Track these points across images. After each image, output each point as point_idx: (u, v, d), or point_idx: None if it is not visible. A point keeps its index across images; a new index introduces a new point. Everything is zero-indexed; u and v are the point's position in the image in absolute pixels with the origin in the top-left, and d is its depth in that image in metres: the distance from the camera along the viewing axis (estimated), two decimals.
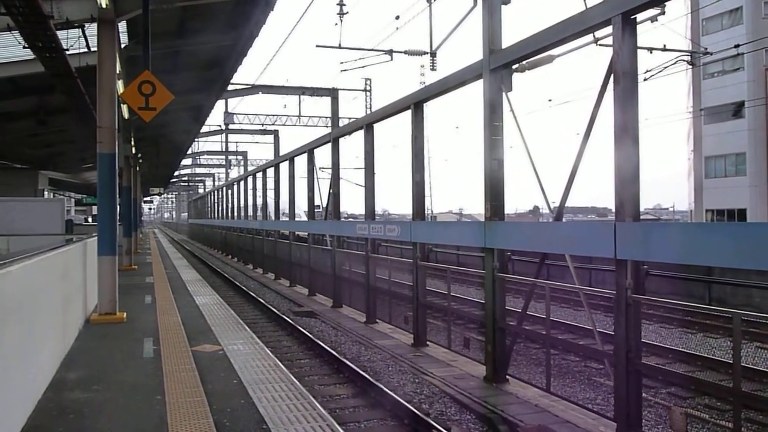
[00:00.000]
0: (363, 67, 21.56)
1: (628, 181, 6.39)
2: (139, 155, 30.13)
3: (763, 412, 7.61)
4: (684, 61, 18.22)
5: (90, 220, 52.02)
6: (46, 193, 37.18)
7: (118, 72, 11.29)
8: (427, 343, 11.32)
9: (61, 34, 11.25)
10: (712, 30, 40.03)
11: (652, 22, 14.59)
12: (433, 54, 18.06)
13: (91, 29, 11.75)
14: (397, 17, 19.70)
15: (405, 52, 20.35)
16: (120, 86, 12.08)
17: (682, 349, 11.21)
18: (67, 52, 11.63)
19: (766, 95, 34.73)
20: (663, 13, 14.31)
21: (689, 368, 10.13)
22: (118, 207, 11.65)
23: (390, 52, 20.41)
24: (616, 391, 6.72)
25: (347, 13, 19.88)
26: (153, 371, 7.20)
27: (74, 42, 12.83)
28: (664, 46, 17.64)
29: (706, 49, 22.41)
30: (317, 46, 20.91)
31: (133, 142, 23.74)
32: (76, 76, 12.27)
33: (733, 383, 5.65)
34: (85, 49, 13.06)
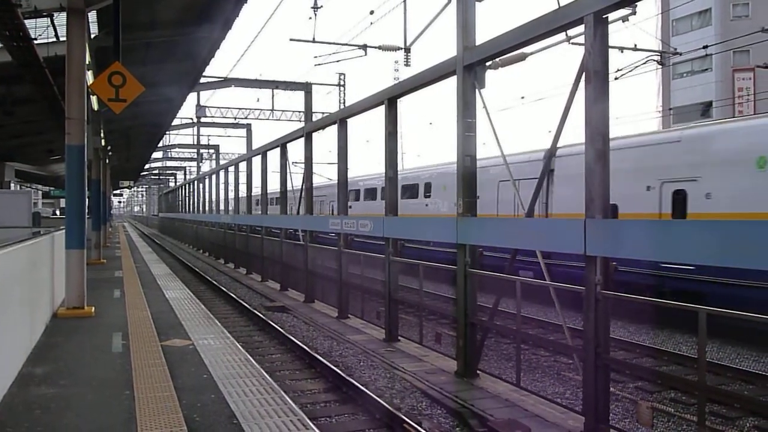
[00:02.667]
0: (337, 61, 21.45)
1: (598, 178, 6.47)
2: (109, 148, 29.69)
3: (726, 405, 7.79)
4: (654, 60, 18.45)
5: (58, 213, 51.17)
6: (12, 185, 36.46)
7: (87, 63, 11.11)
8: (399, 338, 11.36)
9: (29, 23, 11.04)
10: (681, 31, 40.64)
11: (623, 21, 14.78)
12: (407, 50, 18.07)
13: (60, 18, 11.55)
14: (372, 12, 19.67)
15: (379, 48, 20.29)
16: (90, 77, 11.88)
17: (650, 345, 11.42)
18: (36, 42, 11.41)
19: (733, 96, 35.41)
20: (634, 13, 14.50)
21: (656, 363, 10.32)
22: (86, 200, 11.47)
23: (364, 47, 20.35)
24: (584, 386, 6.81)
25: (321, 7, 19.74)
26: (122, 366, 7.12)
27: (43, 31, 12.61)
28: (635, 45, 17.88)
29: (675, 49, 22.71)
30: (291, 39, 20.67)
31: (102, 135, 23.40)
32: (44, 66, 12.04)
33: (698, 377, 5.76)
34: (54, 39, 12.84)
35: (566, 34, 12.92)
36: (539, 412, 7.35)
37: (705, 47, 21.39)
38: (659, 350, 10.87)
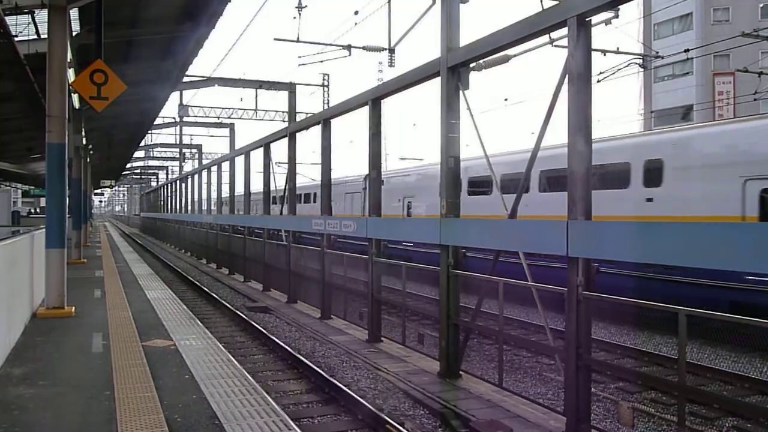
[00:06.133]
0: (321, 61, 21.41)
1: (580, 180, 6.51)
2: (90, 146, 29.41)
3: (705, 405, 7.87)
4: (636, 64, 18.64)
5: (38, 210, 50.56)
6: None
7: (69, 60, 11.00)
8: (382, 338, 11.36)
9: (9, 20, 10.92)
10: (663, 34, 41.07)
11: (606, 24, 14.92)
12: (391, 50, 18.08)
13: (42, 16, 11.42)
14: (356, 12, 19.66)
15: (363, 48, 20.31)
16: (71, 75, 11.77)
17: (631, 345, 11.51)
18: (16, 39, 11.28)
19: (713, 99, 35.80)
20: (617, 16, 14.64)
21: (637, 363, 10.40)
22: (67, 199, 11.36)
23: (348, 47, 20.35)
24: (566, 386, 6.85)
25: (306, 6, 19.73)
26: (102, 366, 7.05)
27: (24, 28, 12.47)
28: (617, 48, 18.03)
29: (657, 52, 22.95)
30: (275, 39, 20.62)
31: (83, 133, 23.16)
32: (25, 63, 11.92)
33: (678, 378, 5.82)
34: (35, 36, 12.71)
35: (549, 37, 13.00)
36: (521, 413, 7.38)
37: (686, 51, 21.60)
38: (640, 351, 10.96)
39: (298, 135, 16.74)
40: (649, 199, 13.68)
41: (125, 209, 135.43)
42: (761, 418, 7.39)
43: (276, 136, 18.15)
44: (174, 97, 28.79)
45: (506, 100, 38.72)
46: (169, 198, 47.40)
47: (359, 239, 12.21)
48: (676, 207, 12.76)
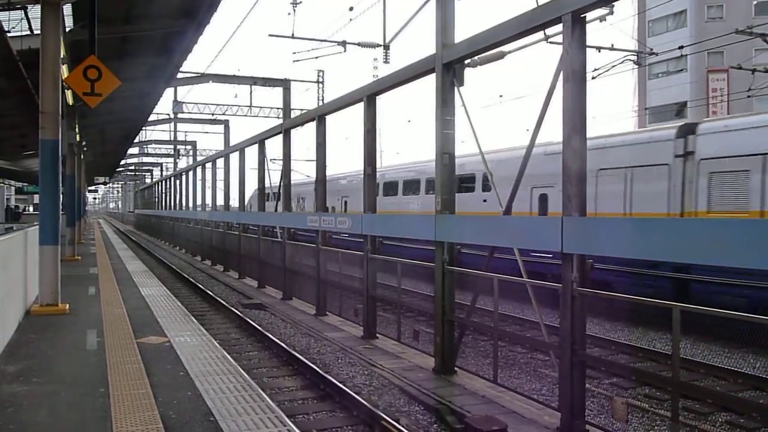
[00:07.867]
0: (316, 58, 21.47)
1: (575, 176, 6.52)
2: (84, 143, 29.27)
3: (699, 401, 7.91)
4: (630, 60, 18.63)
5: (31, 209, 50.41)
6: None
7: (62, 56, 10.94)
8: (377, 335, 11.36)
9: (2, 15, 10.87)
10: (657, 32, 41.13)
11: (600, 21, 14.91)
12: (386, 47, 18.09)
13: (35, 11, 11.38)
14: (351, 8, 19.66)
15: (358, 44, 20.32)
16: (64, 71, 11.71)
17: (625, 341, 11.55)
18: (9, 35, 11.23)
19: (707, 96, 35.89)
20: (611, 13, 14.64)
21: (631, 359, 10.44)
22: (60, 196, 11.31)
23: (343, 43, 20.36)
24: (560, 382, 6.87)
25: (300, 2, 19.75)
26: (96, 363, 7.04)
27: (16, 24, 12.42)
28: (612, 45, 18.03)
29: (651, 49, 22.95)
30: (270, 35, 20.68)
31: (77, 129, 23.06)
32: (17, 59, 11.87)
33: (672, 373, 5.84)
34: (28, 32, 12.65)
35: (544, 33, 13.02)
36: (516, 409, 7.40)
37: (680, 48, 21.59)
38: (634, 347, 11.00)
39: (292, 131, 16.72)
40: (485, 200, 18.12)
41: (119, 206, 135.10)
42: (754, 413, 7.44)
43: (271, 133, 18.12)
44: (168, 93, 28.71)
45: (501, 96, 38.70)
46: (164, 195, 47.27)
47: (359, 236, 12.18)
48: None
